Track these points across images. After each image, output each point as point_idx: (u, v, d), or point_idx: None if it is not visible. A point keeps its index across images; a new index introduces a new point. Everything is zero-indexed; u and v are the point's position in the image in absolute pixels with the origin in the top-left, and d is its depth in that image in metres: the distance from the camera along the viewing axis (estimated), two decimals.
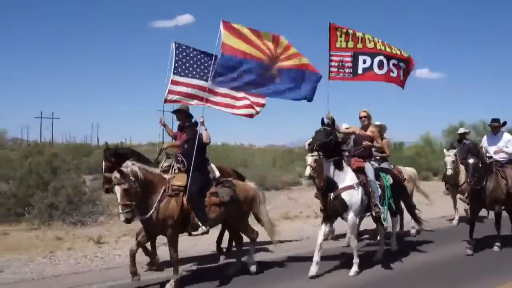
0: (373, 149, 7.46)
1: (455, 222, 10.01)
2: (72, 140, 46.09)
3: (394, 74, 7.67)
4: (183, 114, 6.56)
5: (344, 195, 5.89)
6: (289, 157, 30.29)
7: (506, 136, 7.76)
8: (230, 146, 32.91)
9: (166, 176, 5.68)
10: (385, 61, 7.60)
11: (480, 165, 6.88)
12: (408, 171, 9.08)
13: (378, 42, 7.64)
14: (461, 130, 10.37)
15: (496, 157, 7.51)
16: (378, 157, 7.87)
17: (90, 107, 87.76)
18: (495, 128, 7.85)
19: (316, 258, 5.82)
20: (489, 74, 79.01)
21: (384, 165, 7.74)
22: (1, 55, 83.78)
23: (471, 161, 6.86)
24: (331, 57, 7.43)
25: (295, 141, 42.63)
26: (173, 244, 5.47)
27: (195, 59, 7.31)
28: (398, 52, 7.65)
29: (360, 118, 6.96)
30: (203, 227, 5.54)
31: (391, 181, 6.60)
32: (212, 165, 6.49)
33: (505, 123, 7.92)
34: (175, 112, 6.73)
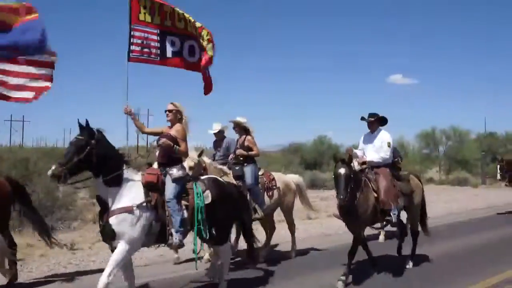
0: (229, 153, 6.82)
1: (381, 238, 8.62)
2: (43, 144, 44.92)
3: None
4: None
5: (113, 220, 4.46)
6: (265, 160, 30.32)
7: (383, 135, 6.32)
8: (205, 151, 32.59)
9: None
10: (196, 47, 6.33)
11: (352, 176, 5.50)
12: (285, 179, 7.38)
13: (189, 22, 6.24)
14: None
15: (370, 159, 6.18)
16: (242, 159, 6.78)
17: (62, 111, 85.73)
18: (370, 124, 6.37)
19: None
20: (461, 80, 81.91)
21: (248, 169, 6.65)
22: None
23: (342, 171, 5.43)
24: (132, 32, 5.99)
25: (270, 144, 42.79)
26: None
27: None
28: (205, 44, 6.32)
29: (165, 112, 5.35)
30: None
31: (209, 199, 4.99)
32: None
33: (383, 119, 6.39)
34: None
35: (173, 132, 5.15)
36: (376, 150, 6.23)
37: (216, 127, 7.43)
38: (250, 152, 6.81)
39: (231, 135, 7.45)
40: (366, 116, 6.37)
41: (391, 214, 5.88)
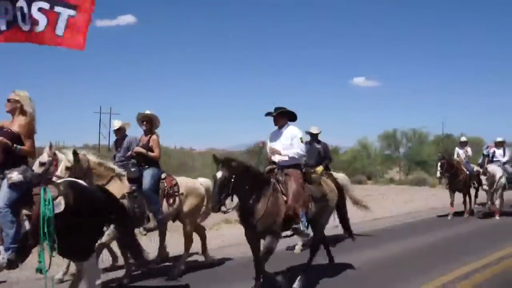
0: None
1: (297, 249, 7.67)
2: None
3: (41, 28, 4.89)
4: None
5: None
6: None
7: (292, 130, 5.58)
8: (169, 150, 32.30)
9: None
10: (26, 9, 4.83)
11: (234, 180, 4.81)
12: (192, 183, 6.48)
13: None
14: (315, 130, 8.40)
15: (277, 159, 5.48)
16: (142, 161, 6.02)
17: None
18: (276, 119, 5.60)
19: None
20: (421, 83, 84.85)
21: (148, 172, 5.92)
22: None
23: (218, 174, 4.85)
24: None
25: (235, 144, 42.70)
26: None
27: None
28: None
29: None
30: None
31: (61, 207, 4.07)
32: None
33: (290, 113, 5.64)
34: None
35: (15, 127, 4.23)
36: (286, 148, 5.49)
37: (116, 124, 6.70)
38: (150, 153, 6.05)
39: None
40: (272, 112, 5.62)
41: (300, 222, 5.18)
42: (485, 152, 12.40)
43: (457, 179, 11.63)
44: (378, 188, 23.60)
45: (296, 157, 5.44)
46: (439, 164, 11.65)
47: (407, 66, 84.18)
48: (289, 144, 5.48)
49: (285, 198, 5.15)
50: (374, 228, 10.35)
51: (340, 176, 8.41)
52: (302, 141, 5.56)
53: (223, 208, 4.93)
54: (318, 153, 8.19)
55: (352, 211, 9.77)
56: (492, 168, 11.43)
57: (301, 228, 5.21)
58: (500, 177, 11.35)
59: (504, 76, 76.06)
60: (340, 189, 6.32)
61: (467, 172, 11.82)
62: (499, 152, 11.88)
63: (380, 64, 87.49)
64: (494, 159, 11.89)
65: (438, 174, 11.68)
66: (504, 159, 11.76)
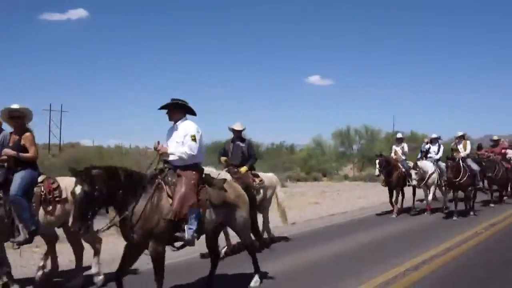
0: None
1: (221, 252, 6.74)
2: None
3: None
4: None
5: None
6: None
7: (186, 125, 4.99)
8: (124, 149, 31.57)
9: None
10: None
11: (99, 191, 4.11)
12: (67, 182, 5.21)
13: None
14: (238, 127, 7.84)
15: (171, 158, 4.87)
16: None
17: None
18: (171, 113, 5.01)
19: None
20: (372, 81, 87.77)
21: (19, 175, 5.01)
22: None
23: (77, 190, 4.07)
24: None
25: None
26: None
27: None
28: None
29: None
30: None
31: None
32: None
33: (186, 107, 5.03)
34: None
35: None
36: (179, 145, 4.91)
37: None
38: (23, 154, 5.14)
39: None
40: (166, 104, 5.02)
41: (185, 229, 4.53)
42: (422, 148, 12.66)
43: (392, 177, 11.78)
44: (333, 184, 24.20)
45: (185, 157, 4.81)
46: (377, 161, 11.84)
47: (360, 64, 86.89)
48: (182, 142, 4.88)
49: (170, 201, 4.55)
50: (329, 224, 10.67)
51: (269, 176, 8.07)
52: (194, 140, 4.85)
53: (103, 227, 4.41)
54: (242, 153, 7.68)
55: (311, 208, 10.08)
56: (424, 164, 11.63)
57: (186, 236, 4.54)
58: (432, 173, 11.51)
59: (452, 74, 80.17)
60: (251, 194, 5.78)
61: (403, 170, 11.99)
62: (433, 148, 12.14)
63: (335, 63, 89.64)
64: (428, 155, 12.13)
65: (377, 172, 11.86)
66: (437, 156, 12.00)
